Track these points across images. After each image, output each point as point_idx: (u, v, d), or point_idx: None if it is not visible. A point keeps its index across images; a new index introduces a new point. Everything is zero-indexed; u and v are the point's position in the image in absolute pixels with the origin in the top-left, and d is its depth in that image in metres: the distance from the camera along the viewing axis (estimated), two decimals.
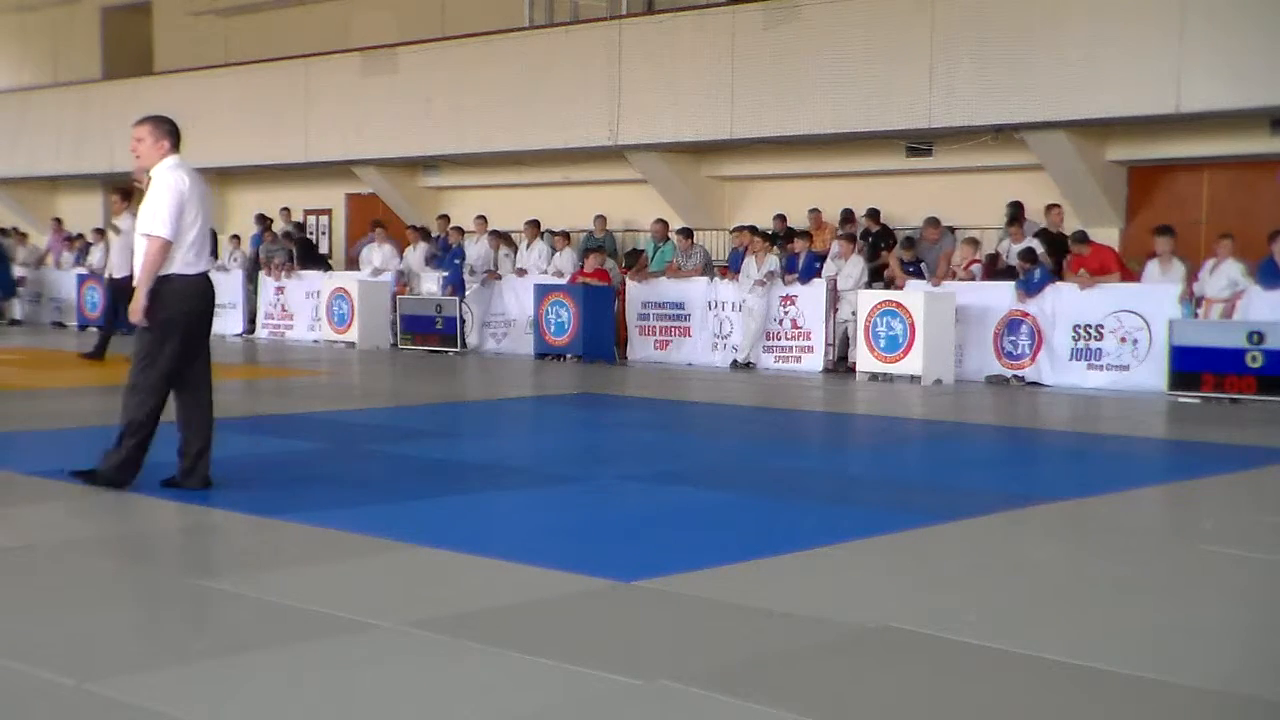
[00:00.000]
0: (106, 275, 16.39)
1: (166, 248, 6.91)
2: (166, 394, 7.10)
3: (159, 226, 6.88)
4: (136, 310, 6.94)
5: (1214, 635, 4.81)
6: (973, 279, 15.57)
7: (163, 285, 6.96)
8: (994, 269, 15.66)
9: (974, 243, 15.88)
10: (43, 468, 7.95)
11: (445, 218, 20.72)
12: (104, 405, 11.87)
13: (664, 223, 18.58)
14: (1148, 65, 15.16)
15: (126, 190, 16.80)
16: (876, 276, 16.37)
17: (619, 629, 4.74)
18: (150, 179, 7.07)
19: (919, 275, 15.89)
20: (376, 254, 20.53)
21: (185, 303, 7.04)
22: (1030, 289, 14.81)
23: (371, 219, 22.47)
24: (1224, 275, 13.92)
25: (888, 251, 16.67)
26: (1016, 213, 16.26)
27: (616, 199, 20.81)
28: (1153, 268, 14.56)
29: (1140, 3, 15.34)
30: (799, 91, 17.68)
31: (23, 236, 26.56)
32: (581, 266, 18.25)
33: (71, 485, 7.34)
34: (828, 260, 16.47)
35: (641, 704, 3.93)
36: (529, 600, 5.07)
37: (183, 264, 6.99)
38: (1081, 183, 16.81)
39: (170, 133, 7.10)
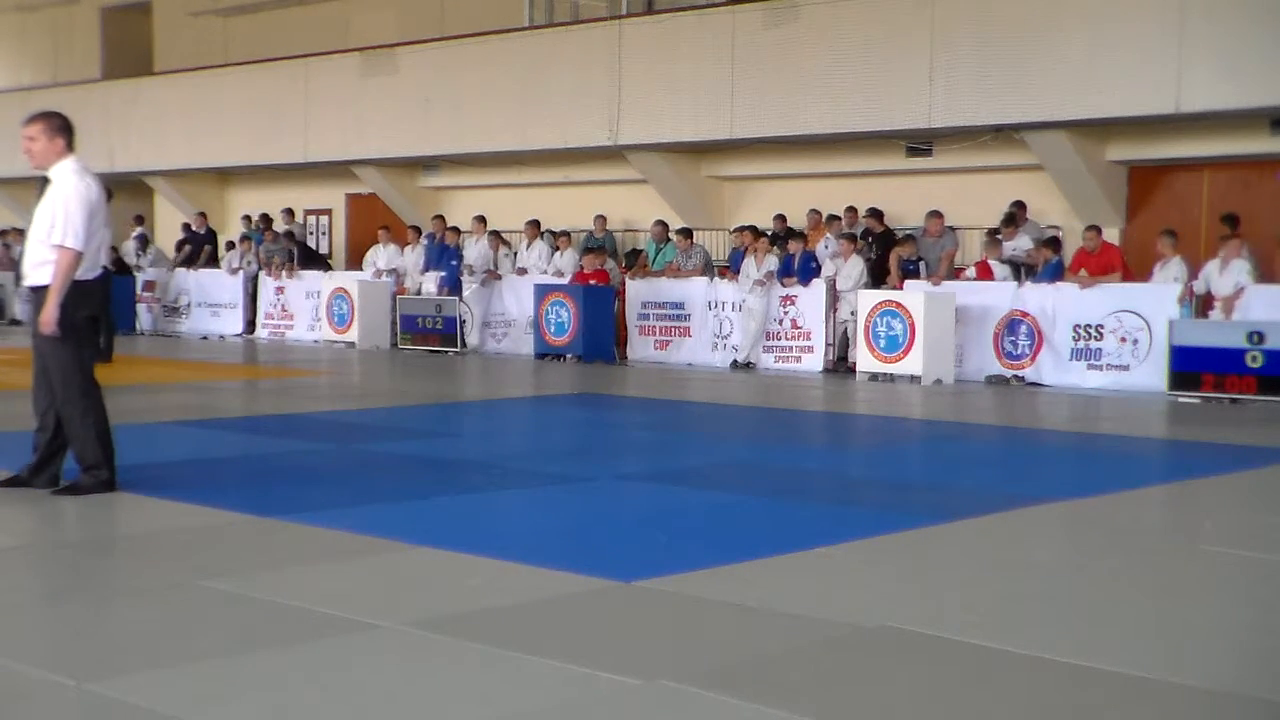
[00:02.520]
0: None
1: (79, 259, 6.84)
2: (99, 394, 7.04)
3: (72, 239, 6.79)
4: (49, 322, 6.78)
5: (1214, 635, 4.81)
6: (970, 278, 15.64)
7: (67, 292, 6.87)
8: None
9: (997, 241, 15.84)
10: None
11: (440, 218, 20.71)
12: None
13: (664, 224, 18.57)
14: (1148, 65, 15.16)
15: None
16: (883, 279, 16.32)
17: (619, 629, 4.74)
18: (49, 180, 6.90)
19: (916, 275, 15.87)
20: (381, 255, 20.54)
21: (89, 307, 7.01)
22: (1040, 277, 14.86)
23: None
24: (1233, 273, 13.94)
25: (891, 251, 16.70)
26: (1015, 211, 16.26)
27: (616, 199, 20.80)
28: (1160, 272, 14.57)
29: (1140, 3, 15.33)
30: (799, 91, 17.67)
31: (21, 236, 26.56)
32: (582, 267, 18.24)
33: None
34: (826, 260, 16.47)
35: (641, 704, 3.93)
36: (529, 600, 5.06)
37: (85, 270, 6.95)
38: (1081, 183, 16.80)
39: (63, 129, 6.93)
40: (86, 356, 7.03)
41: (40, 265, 6.91)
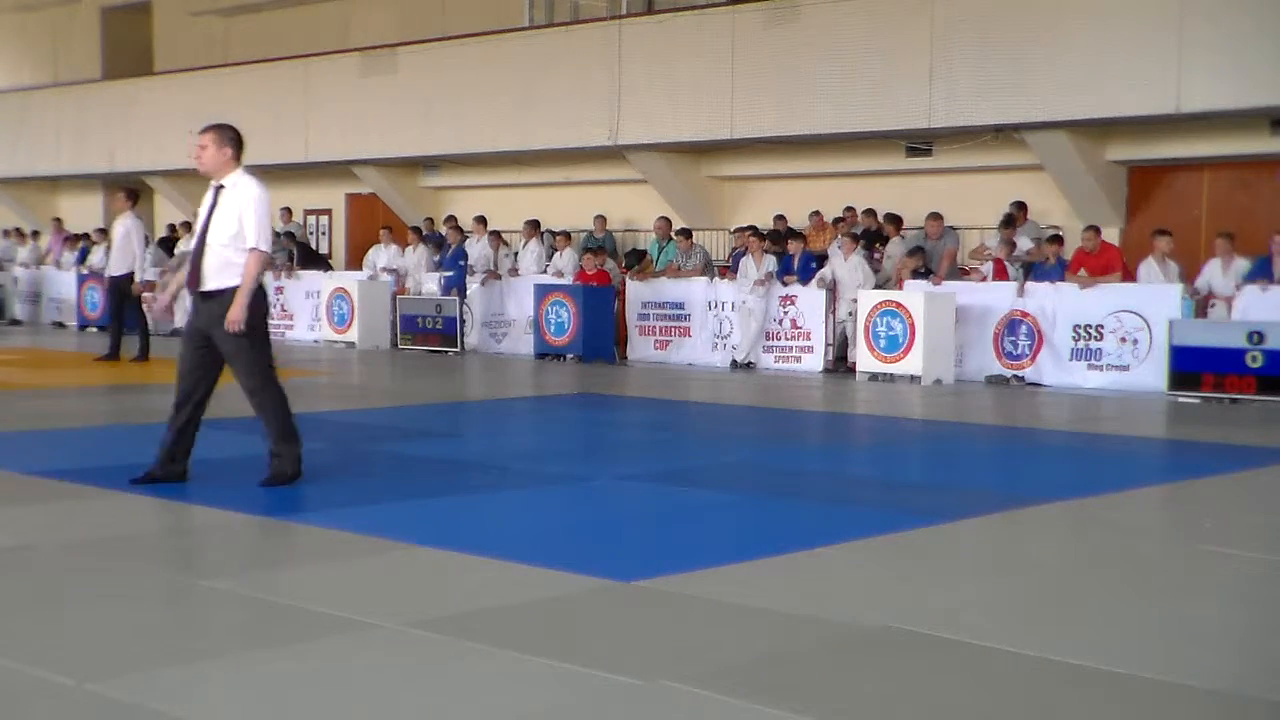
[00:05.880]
0: (107, 274, 16.46)
1: (267, 261, 7.34)
2: (281, 387, 7.50)
3: (264, 242, 7.24)
4: (238, 320, 7.13)
5: (1214, 635, 4.81)
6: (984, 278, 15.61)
7: (254, 295, 7.29)
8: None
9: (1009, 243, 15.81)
10: (43, 468, 7.95)
11: (452, 218, 20.69)
12: (106, 405, 11.89)
13: (667, 220, 18.58)
14: (1148, 65, 15.17)
15: (133, 191, 16.85)
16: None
17: (619, 629, 4.74)
18: (224, 187, 7.27)
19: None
20: (382, 255, 20.55)
21: (265, 307, 7.47)
22: (1042, 276, 14.88)
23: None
24: (1236, 272, 14.03)
25: (881, 246, 16.71)
26: (1015, 213, 16.25)
27: (616, 199, 20.81)
28: (1146, 268, 14.60)
29: (1140, 3, 15.34)
30: (799, 91, 17.68)
31: (22, 236, 26.54)
32: (582, 268, 18.23)
33: (71, 485, 7.35)
34: (829, 261, 16.44)
35: (641, 704, 3.93)
36: (529, 600, 5.07)
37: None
38: (1081, 183, 16.81)
39: (233, 140, 7.29)
40: (267, 357, 7.44)
41: (223, 269, 7.23)
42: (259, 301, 7.33)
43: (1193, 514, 7.58)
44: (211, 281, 7.23)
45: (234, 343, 7.23)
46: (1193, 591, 5.50)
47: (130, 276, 16.06)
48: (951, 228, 16.68)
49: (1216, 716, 3.99)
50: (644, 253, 18.94)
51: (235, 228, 7.19)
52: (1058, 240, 15.43)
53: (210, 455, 8.77)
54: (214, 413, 11.18)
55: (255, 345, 7.31)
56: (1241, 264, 14.02)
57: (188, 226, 22.76)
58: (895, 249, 16.52)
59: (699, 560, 5.75)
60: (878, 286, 15.76)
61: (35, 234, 26.91)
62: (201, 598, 5.05)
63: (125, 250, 16.04)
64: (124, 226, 16.13)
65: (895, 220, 16.98)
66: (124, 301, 16.27)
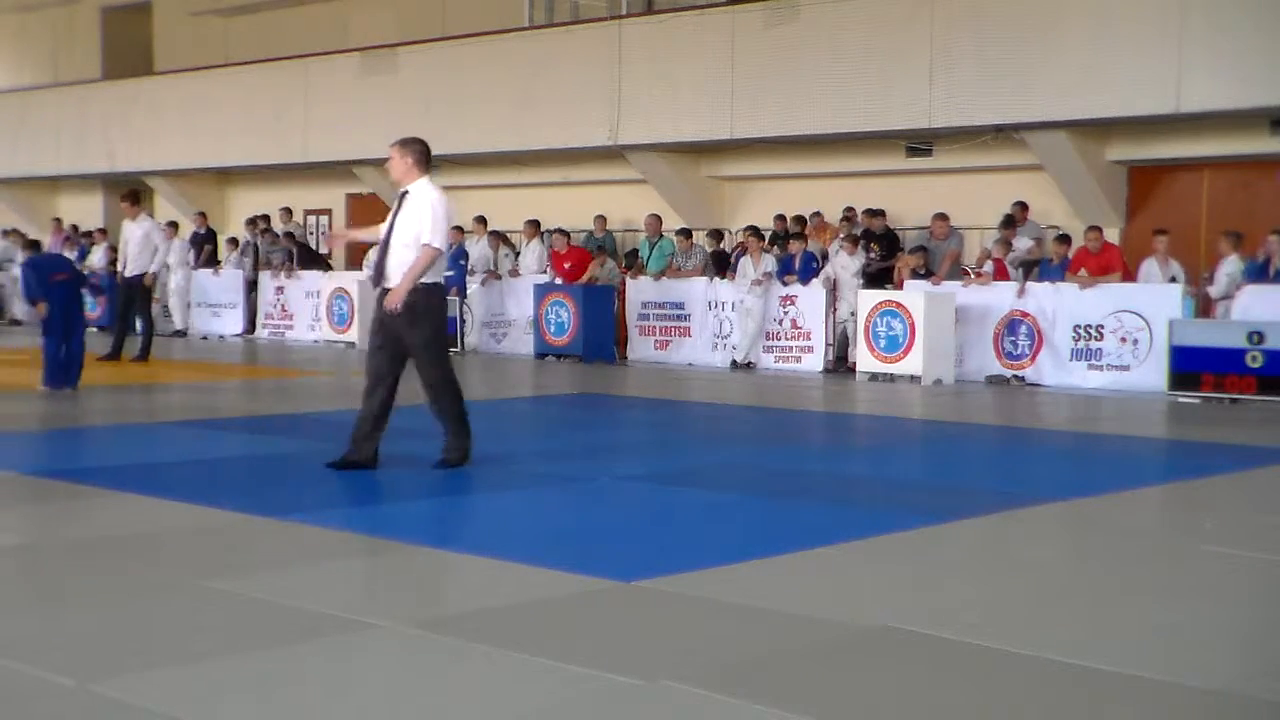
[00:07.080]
0: (119, 274, 16.43)
1: (438, 257, 7.86)
2: (458, 387, 8.16)
3: (438, 239, 7.84)
4: (396, 301, 7.75)
5: (1214, 635, 4.81)
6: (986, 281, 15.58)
7: (435, 293, 7.95)
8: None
9: (1065, 240, 15.73)
10: (43, 468, 7.95)
11: None
12: (106, 405, 11.88)
13: (657, 218, 18.52)
14: (1148, 65, 15.16)
15: (135, 193, 16.83)
16: (879, 279, 16.28)
17: (619, 629, 4.74)
18: (408, 193, 7.93)
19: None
20: None
21: (444, 308, 8.18)
22: (1046, 274, 14.85)
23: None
24: (1225, 271, 14.05)
25: (874, 245, 16.72)
26: (1015, 213, 16.23)
27: (616, 199, 20.79)
28: (1148, 268, 14.62)
29: (1140, 3, 15.34)
30: (799, 91, 17.67)
31: (21, 237, 26.50)
32: (554, 249, 18.17)
33: (71, 485, 7.35)
34: (830, 260, 16.43)
35: (642, 704, 3.93)
36: (529, 600, 5.07)
37: (441, 273, 8.07)
38: (1081, 183, 16.80)
39: (416, 151, 7.98)
40: (445, 350, 8.19)
41: (403, 267, 7.84)
42: (439, 304, 8.00)
43: (1193, 514, 7.58)
44: (394, 279, 7.81)
45: (420, 342, 7.85)
46: (1193, 591, 5.50)
47: (143, 277, 16.09)
48: (955, 229, 16.66)
49: (1216, 716, 3.99)
50: (634, 251, 18.94)
51: (417, 228, 7.81)
52: (1065, 240, 15.42)
53: (210, 455, 8.78)
54: (214, 413, 11.22)
55: (437, 344, 8.01)
56: (1234, 262, 14.03)
57: (174, 227, 22.77)
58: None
59: (699, 560, 5.75)
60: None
61: (21, 235, 26.83)
62: (201, 598, 5.05)
63: (145, 252, 16.04)
64: (143, 229, 16.10)
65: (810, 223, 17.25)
66: (132, 304, 16.27)
